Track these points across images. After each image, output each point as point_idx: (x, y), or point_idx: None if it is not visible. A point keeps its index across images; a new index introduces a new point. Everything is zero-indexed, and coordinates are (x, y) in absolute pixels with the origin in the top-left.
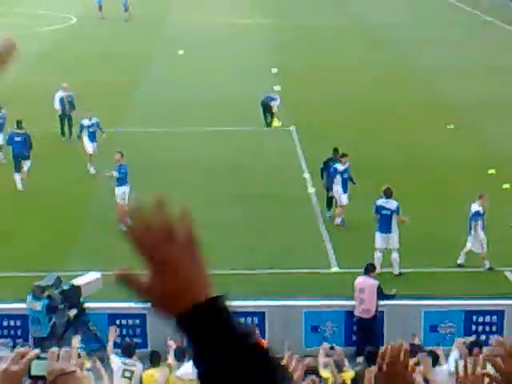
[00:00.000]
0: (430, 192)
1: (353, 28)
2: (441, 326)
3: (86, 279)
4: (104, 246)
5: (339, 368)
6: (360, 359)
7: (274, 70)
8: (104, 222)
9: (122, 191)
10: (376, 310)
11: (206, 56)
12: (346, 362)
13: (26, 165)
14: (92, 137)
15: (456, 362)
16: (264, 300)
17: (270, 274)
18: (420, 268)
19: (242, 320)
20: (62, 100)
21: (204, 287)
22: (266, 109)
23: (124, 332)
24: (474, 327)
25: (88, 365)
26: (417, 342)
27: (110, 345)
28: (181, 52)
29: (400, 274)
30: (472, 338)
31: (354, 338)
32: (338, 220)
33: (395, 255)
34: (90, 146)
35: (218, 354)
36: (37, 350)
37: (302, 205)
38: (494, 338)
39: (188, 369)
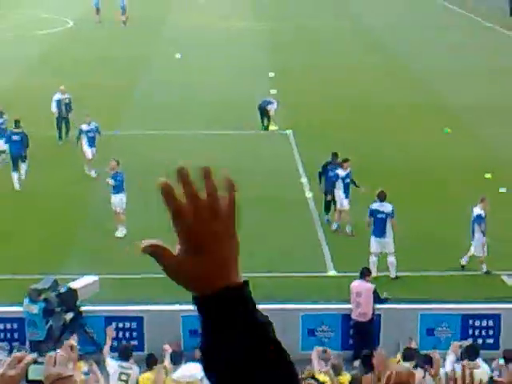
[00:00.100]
0: (429, 193)
1: (352, 29)
2: (437, 330)
3: (82, 282)
4: (102, 248)
5: (336, 371)
6: (357, 363)
7: (271, 74)
8: (101, 224)
9: (118, 199)
10: (373, 314)
11: (205, 58)
12: (343, 366)
13: (23, 168)
14: (91, 142)
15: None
16: (261, 304)
17: (268, 277)
18: (417, 272)
19: None
20: (58, 102)
21: (236, 269)
22: (264, 113)
23: (120, 335)
24: (470, 331)
25: (85, 368)
26: (413, 345)
27: (106, 347)
28: (178, 55)
29: (397, 277)
30: (468, 342)
31: (351, 341)
32: (334, 226)
33: (392, 259)
34: (89, 151)
35: (240, 341)
36: (34, 355)
37: (300, 209)
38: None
39: (185, 371)
